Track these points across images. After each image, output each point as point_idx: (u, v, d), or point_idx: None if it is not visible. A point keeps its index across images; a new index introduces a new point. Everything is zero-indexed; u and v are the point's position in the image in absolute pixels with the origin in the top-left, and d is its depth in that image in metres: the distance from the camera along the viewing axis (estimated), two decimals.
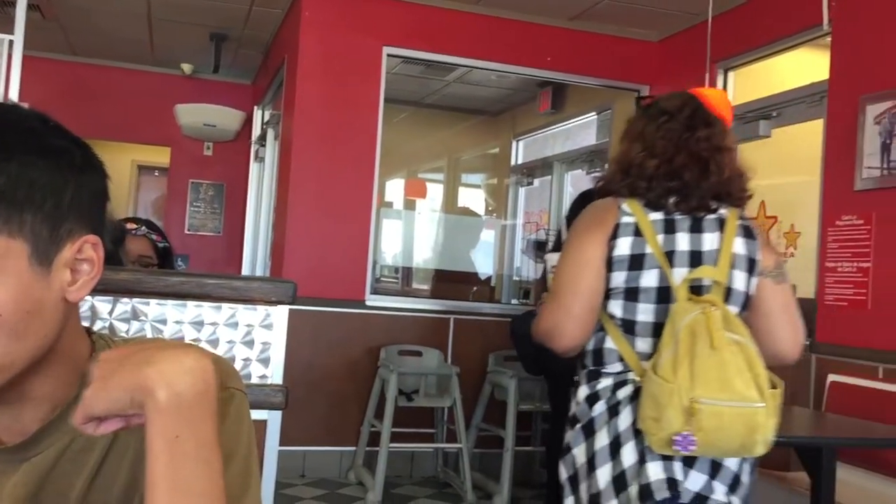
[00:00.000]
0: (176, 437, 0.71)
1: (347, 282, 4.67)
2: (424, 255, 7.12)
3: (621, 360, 1.72)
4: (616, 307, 1.73)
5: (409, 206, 7.38)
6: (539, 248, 5.71)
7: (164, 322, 1.60)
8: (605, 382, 1.73)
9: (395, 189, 7.46)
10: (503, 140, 7.17)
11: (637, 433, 1.65)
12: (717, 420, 1.53)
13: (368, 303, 4.71)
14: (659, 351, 1.61)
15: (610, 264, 1.71)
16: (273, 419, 1.68)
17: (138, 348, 0.74)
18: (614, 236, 1.71)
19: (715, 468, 1.66)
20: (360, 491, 4.31)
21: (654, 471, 1.63)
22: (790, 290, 1.86)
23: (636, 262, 1.70)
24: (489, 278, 6.68)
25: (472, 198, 7.97)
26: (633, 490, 1.63)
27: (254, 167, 6.46)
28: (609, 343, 1.74)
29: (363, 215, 4.74)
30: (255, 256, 6.21)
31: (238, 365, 1.64)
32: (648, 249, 1.70)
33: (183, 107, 6.47)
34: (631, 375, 1.70)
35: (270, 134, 5.85)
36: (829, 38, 3.79)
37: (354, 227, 4.71)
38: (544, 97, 6.09)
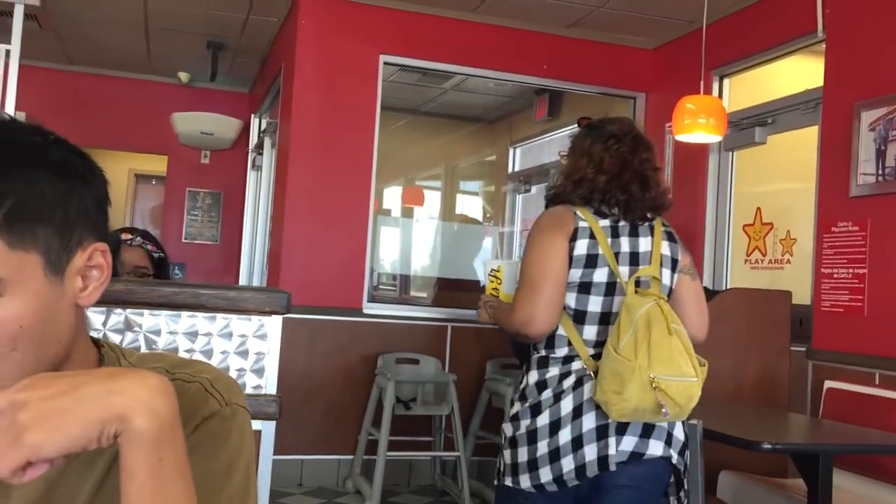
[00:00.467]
0: (159, 460, 0.71)
1: (345, 290, 4.66)
2: (422, 262, 7.12)
3: (569, 344, 2.02)
4: (570, 299, 2.01)
5: (407, 213, 7.39)
6: None
7: (157, 333, 1.61)
8: (552, 372, 2.03)
9: (392, 196, 7.46)
10: (500, 147, 7.17)
11: (576, 416, 1.96)
12: (669, 392, 1.84)
13: (366, 311, 4.71)
14: (617, 335, 1.88)
15: (569, 262, 2.00)
16: (267, 429, 1.68)
17: (73, 381, 0.70)
18: (573, 238, 2.00)
19: (647, 430, 1.96)
20: (358, 500, 4.30)
21: (591, 451, 1.94)
22: (700, 285, 2.21)
23: (591, 261, 2.00)
24: None
25: (470, 205, 7.98)
26: (569, 465, 1.95)
27: (251, 175, 6.47)
28: (560, 330, 2.02)
29: (360, 223, 4.74)
30: (252, 265, 6.21)
31: (232, 375, 1.64)
32: (600, 251, 2.01)
33: (180, 115, 6.47)
34: (574, 365, 2.00)
35: (267, 142, 5.85)
36: (823, 45, 3.80)
37: (351, 235, 4.71)
38: (541, 104, 6.10)
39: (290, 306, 1.71)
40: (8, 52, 4.81)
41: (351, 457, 4.54)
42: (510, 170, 7.01)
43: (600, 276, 2.00)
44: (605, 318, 1.99)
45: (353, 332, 4.65)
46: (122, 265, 2.44)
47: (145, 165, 8.26)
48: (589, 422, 1.95)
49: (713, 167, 4.62)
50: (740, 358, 3.53)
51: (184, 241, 7.03)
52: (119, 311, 1.58)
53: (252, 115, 6.56)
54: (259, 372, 1.68)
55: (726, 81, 4.61)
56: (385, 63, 4.83)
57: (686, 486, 2.11)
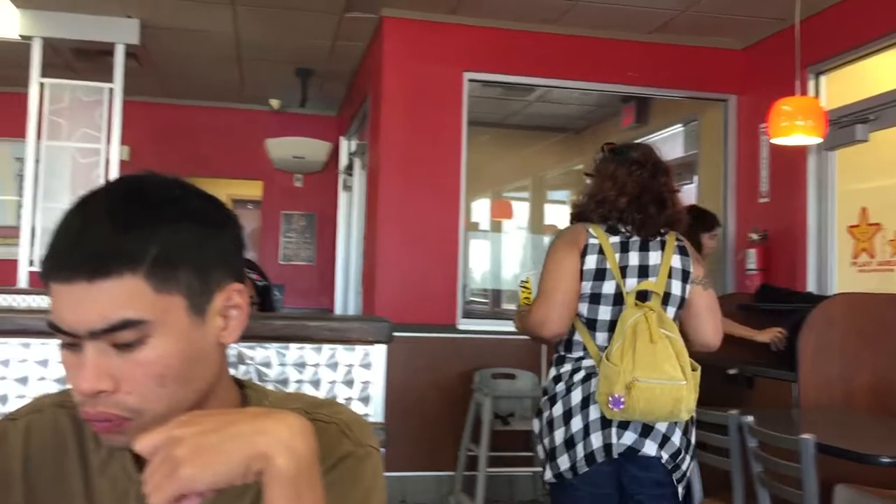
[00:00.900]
0: (298, 498, 0.74)
1: (438, 307, 4.70)
2: (512, 275, 7.10)
3: (584, 349, 2.25)
4: (583, 308, 2.24)
5: (496, 227, 7.39)
6: None
7: (268, 365, 1.66)
8: (566, 367, 2.27)
9: (481, 210, 7.48)
10: (587, 156, 7.08)
11: (584, 407, 2.19)
12: (650, 393, 2.05)
13: (460, 327, 4.74)
14: (611, 343, 2.14)
15: (581, 275, 2.22)
16: None
17: (222, 420, 0.75)
18: (584, 254, 2.23)
19: (645, 430, 2.17)
20: None
21: (596, 440, 2.17)
22: (714, 294, 2.37)
23: (599, 275, 2.22)
24: None
25: (559, 215, 7.93)
26: (581, 453, 2.17)
27: (342, 196, 6.60)
28: (576, 336, 2.26)
29: (451, 239, 4.78)
30: (347, 284, 6.33)
31: None
32: (608, 265, 2.22)
33: (273, 141, 6.67)
34: (585, 363, 2.24)
35: (357, 163, 5.97)
36: None
37: (443, 252, 4.75)
38: (627, 112, 6.03)
39: (392, 335, 1.74)
40: (111, 91, 5.07)
41: (451, 473, 4.56)
42: None
43: (608, 287, 2.21)
44: (614, 326, 2.19)
45: (448, 348, 4.68)
46: None
47: (242, 191, 8.55)
48: (595, 412, 2.17)
49: (812, 167, 4.46)
50: (850, 364, 3.40)
51: (280, 262, 7.23)
52: (233, 345, 1.64)
53: (341, 138, 6.70)
54: (365, 400, 1.71)
55: (822, 78, 4.45)
56: (469, 80, 4.86)
57: (682, 491, 2.26)
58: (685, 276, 2.26)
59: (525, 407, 4.51)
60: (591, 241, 2.24)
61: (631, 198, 2.25)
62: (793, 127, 3.46)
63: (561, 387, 2.25)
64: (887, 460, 2.23)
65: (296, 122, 7.03)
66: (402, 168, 4.77)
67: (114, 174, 4.92)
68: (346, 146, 6.55)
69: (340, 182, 6.65)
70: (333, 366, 1.70)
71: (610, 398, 2.07)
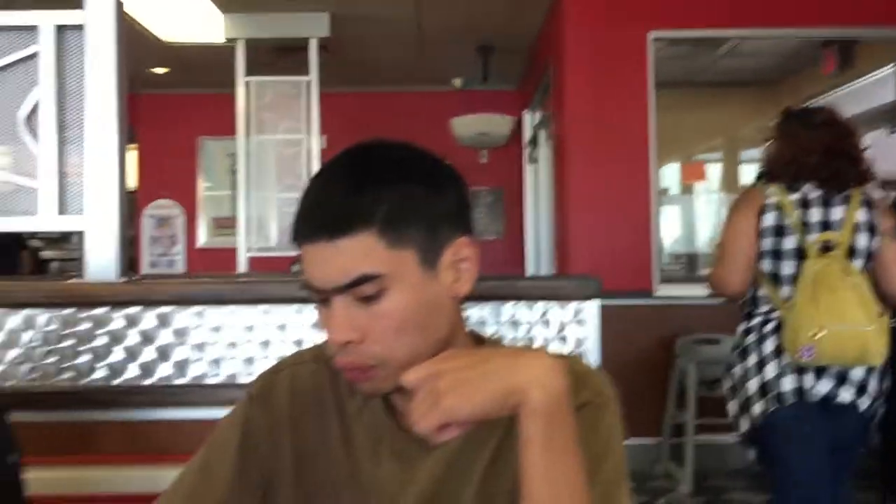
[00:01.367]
0: (552, 434, 0.79)
1: (633, 273, 4.62)
2: (707, 238, 6.86)
3: (770, 302, 2.32)
4: (767, 264, 2.32)
5: (687, 189, 7.15)
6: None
7: (484, 324, 1.71)
8: (755, 321, 2.35)
9: (671, 173, 7.27)
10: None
11: (777, 356, 2.26)
12: (836, 340, 2.13)
13: (657, 293, 4.64)
14: (795, 294, 2.23)
15: (761, 233, 2.32)
16: None
17: (480, 357, 0.81)
18: (762, 212, 2.32)
19: (841, 378, 2.23)
20: (670, 483, 4.24)
21: (788, 383, 2.23)
22: None
23: (779, 231, 2.30)
24: None
25: (754, 175, 7.54)
26: (776, 400, 2.23)
27: (528, 169, 6.63)
28: (762, 291, 2.35)
29: (643, 204, 4.67)
30: (538, 256, 6.36)
31: None
32: (788, 221, 2.29)
33: (458, 119, 6.80)
34: (774, 314, 2.31)
35: (542, 135, 5.97)
36: None
37: (635, 217, 4.66)
38: (829, 57, 5.60)
39: (601, 291, 1.75)
40: (308, 84, 5.38)
41: (655, 441, 4.49)
42: None
43: (789, 243, 2.28)
44: (797, 280, 2.26)
45: (646, 315, 4.59)
46: None
47: None
48: (788, 359, 2.23)
49: None
50: None
51: None
52: None
53: (524, 111, 6.71)
54: (580, 357, 1.73)
55: None
56: (654, 39, 4.71)
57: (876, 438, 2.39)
58: (872, 229, 2.31)
59: None
60: (770, 200, 2.32)
61: (820, 156, 2.32)
62: None
63: (751, 338, 2.33)
64: None
65: (478, 99, 7.12)
66: (589, 135, 4.71)
67: (315, 163, 5.22)
68: (529, 119, 6.56)
69: (526, 155, 6.67)
70: (546, 323, 1.73)
71: (799, 348, 2.16)
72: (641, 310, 4.60)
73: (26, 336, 1.66)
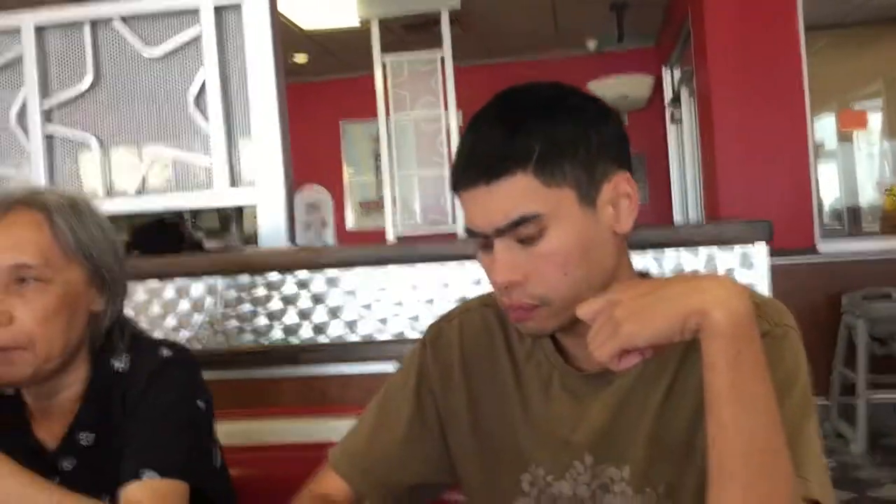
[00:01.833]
0: (737, 354, 0.76)
1: (792, 229, 4.40)
2: (869, 192, 6.45)
3: None
4: None
5: (845, 138, 6.73)
6: None
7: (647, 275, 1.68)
8: None
9: (827, 123, 6.85)
10: None
11: None
12: None
13: (820, 249, 4.40)
14: None
15: None
16: None
17: (656, 284, 0.80)
18: None
19: None
20: (841, 443, 4.04)
21: None
22: None
23: None
24: None
25: None
26: None
27: (671, 129, 6.42)
28: None
29: (799, 157, 4.43)
30: (686, 219, 6.17)
31: None
32: None
33: (595, 84, 6.66)
34: None
35: (684, 92, 5.76)
36: None
37: (791, 171, 4.43)
38: None
39: (772, 233, 1.68)
40: (442, 58, 5.41)
41: (823, 400, 4.28)
42: None
43: None
44: None
45: (809, 272, 4.37)
46: None
47: None
48: None
49: None
50: None
51: None
52: None
53: (663, 69, 6.49)
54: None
55: None
56: None
57: None
58: None
59: None
60: None
61: None
62: None
63: None
64: None
65: (614, 60, 6.94)
66: (736, 87, 4.50)
67: (454, 138, 5.25)
68: (669, 77, 6.35)
69: (668, 115, 6.46)
70: (713, 268, 1.67)
71: None
72: (803, 268, 4.38)
73: (209, 301, 1.77)
